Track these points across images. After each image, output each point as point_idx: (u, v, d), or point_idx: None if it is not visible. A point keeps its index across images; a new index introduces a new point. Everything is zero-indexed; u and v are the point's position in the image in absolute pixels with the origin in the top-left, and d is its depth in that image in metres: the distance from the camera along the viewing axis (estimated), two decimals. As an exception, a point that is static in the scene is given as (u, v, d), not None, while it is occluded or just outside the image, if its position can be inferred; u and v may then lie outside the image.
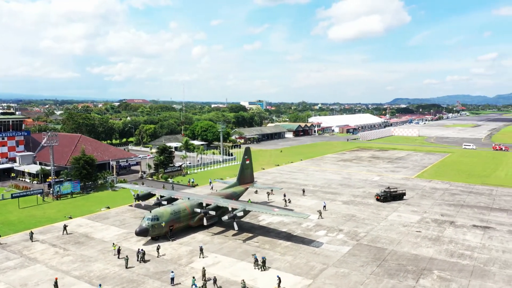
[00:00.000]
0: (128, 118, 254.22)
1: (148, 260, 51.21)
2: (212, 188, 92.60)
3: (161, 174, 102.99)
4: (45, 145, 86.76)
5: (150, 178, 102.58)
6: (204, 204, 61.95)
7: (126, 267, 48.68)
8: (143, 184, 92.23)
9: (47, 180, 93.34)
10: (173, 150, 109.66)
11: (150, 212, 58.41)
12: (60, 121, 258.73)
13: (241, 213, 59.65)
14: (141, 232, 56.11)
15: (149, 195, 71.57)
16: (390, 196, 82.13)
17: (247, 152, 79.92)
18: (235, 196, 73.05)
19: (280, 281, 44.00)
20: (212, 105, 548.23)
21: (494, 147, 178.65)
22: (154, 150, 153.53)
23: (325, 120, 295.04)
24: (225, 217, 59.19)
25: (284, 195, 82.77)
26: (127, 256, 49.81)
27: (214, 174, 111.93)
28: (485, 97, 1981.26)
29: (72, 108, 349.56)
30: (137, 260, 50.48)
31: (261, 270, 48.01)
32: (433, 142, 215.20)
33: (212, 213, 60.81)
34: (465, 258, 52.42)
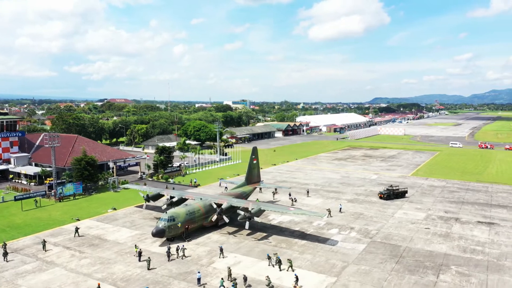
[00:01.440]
0: (115, 118, 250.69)
1: (189, 256, 52.53)
2: (220, 185, 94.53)
3: (161, 175, 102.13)
4: (46, 146, 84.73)
5: (150, 179, 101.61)
6: (219, 204, 61.88)
7: (148, 269, 48.33)
8: (145, 184, 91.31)
9: (46, 182, 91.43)
10: (172, 150, 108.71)
11: (166, 212, 58.04)
12: (44, 121, 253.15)
13: (258, 213, 59.90)
14: (158, 233, 55.72)
15: (159, 196, 71.04)
16: (393, 194, 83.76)
17: (254, 151, 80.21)
18: (245, 196, 73.25)
19: (297, 279, 44.44)
20: (196, 105, 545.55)
21: (480, 145, 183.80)
22: (147, 150, 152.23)
23: (313, 120, 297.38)
24: (241, 217, 59.26)
25: (290, 195, 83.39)
26: (149, 258, 49.45)
27: (213, 174, 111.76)
28: (461, 96, 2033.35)
29: (54, 108, 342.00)
30: (178, 257, 51.66)
31: (283, 270, 48.23)
32: (419, 141, 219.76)
33: (227, 213, 60.86)
34: (478, 254, 54.05)
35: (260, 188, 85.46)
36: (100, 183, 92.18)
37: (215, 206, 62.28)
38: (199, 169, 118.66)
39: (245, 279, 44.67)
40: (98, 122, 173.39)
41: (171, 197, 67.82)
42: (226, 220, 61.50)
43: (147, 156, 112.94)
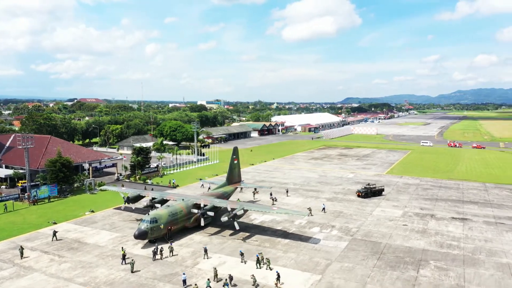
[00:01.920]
0: (87, 118, 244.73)
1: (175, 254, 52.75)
2: (202, 186, 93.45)
3: (138, 176, 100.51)
4: (19, 147, 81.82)
5: (128, 180, 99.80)
6: (202, 205, 61.56)
7: (132, 271, 47.60)
8: (122, 186, 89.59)
9: (19, 184, 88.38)
10: (150, 150, 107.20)
11: (148, 214, 57.30)
12: (12, 122, 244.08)
13: (241, 212, 60.01)
14: (140, 235, 54.94)
15: (139, 197, 69.94)
16: (371, 192, 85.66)
17: (235, 151, 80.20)
18: (226, 196, 73.16)
19: (279, 277, 44.92)
20: (170, 105, 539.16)
21: (449, 144, 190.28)
22: (122, 151, 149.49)
23: (288, 119, 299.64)
24: (225, 217, 59.19)
25: (271, 194, 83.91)
26: (133, 260, 48.73)
27: (191, 174, 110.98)
28: (429, 96, 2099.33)
29: (22, 107, 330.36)
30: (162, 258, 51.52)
31: (266, 269, 48.56)
32: (391, 140, 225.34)
33: (210, 213, 60.69)
34: (454, 248, 56.08)
35: (241, 188, 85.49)
36: (75, 185, 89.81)
37: (197, 207, 61.90)
38: (176, 169, 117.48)
39: (231, 278, 44.73)
40: (71, 122, 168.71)
41: (152, 199, 66.94)
42: (203, 222, 61.12)
43: (124, 157, 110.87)
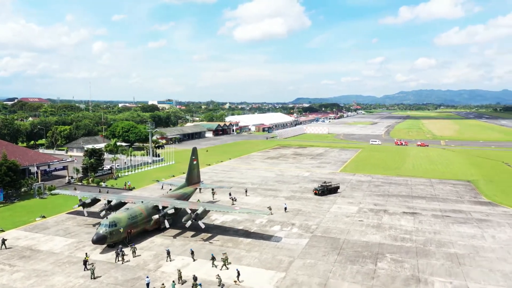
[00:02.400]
0: (31, 118, 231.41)
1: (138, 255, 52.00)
2: (162, 188, 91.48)
3: (91, 178, 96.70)
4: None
5: (80, 183, 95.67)
6: (160, 207, 60.47)
7: (94, 278, 45.90)
8: (75, 189, 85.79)
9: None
10: (103, 152, 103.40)
11: (106, 218, 55.46)
12: None
13: (203, 214, 59.65)
14: (99, 240, 53.07)
15: (95, 201, 67.32)
16: (327, 190, 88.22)
17: (194, 152, 79.58)
18: (186, 197, 72.41)
19: (239, 274, 45.64)
20: (120, 104, 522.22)
21: (396, 142, 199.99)
22: (71, 153, 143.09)
23: (242, 119, 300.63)
24: (186, 219, 58.54)
25: (230, 194, 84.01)
26: (93, 265, 47.01)
27: (147, 176, 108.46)
28: (374, 97, 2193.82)
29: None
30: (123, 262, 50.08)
31: (222, 269, 48.69)
32: (342, 139, 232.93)
33: (171, 215, 59.77)
34: (407, 241, 59.25)
35: (200, 189, 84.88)
36: (23, 189, 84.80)
37: (157, 209, 60.76)
38: (131, 171, 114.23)
39: (195, 279, 44.46)
40: (13, 123, 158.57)
41: (109, 202, 64.76)
42: (165, 225, 60.16)
43: (75, 159, 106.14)
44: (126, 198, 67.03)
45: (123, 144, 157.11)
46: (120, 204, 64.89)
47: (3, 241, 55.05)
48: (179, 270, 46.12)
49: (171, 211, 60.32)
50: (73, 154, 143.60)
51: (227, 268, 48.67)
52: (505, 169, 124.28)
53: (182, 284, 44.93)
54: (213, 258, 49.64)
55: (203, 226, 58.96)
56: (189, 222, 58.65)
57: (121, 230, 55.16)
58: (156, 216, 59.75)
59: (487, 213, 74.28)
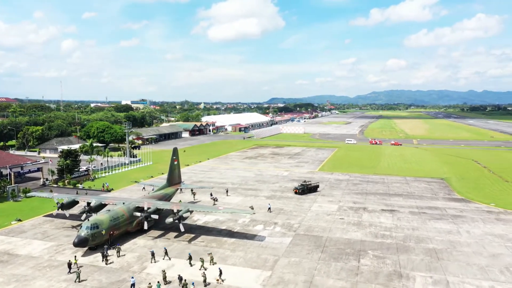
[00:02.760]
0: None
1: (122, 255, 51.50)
2: (144, 189, 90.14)
3: (67, 180, 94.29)
4: None
5: (56, 185, 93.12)
6: (145, 208, 59.75)
7: (79, 281, 44.96)
8: (51, 191, 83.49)
9: None
10: (79, 153, 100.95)
11: (88, 220, 54.38)
12: None
13: (187, 214, 59.35)
14: (80, 243, 52.00)
15: (74, 203, 65.69)
16: (307, 188, 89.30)
17: (175, 152, 78.98)
18: (167, 198, 71.80)
19: (221, 273, 46.00)
20: (92, 104, 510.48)
21: (370, 141, 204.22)
22: (44, 154, 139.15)
23: (218, 119, 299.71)
24: (170, 219, 58.12)
25: (211, 194, 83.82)
26: (79, 268, 46.07)
27: (125, 177, 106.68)
28: (347, 97, 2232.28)
29: None
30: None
31: (200, 269, 48.52)
32: (318, 138, 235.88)
33: (154, 216, 59.18)
34: (387, 238, 60.78)
35: (181, 189, 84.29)
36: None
37: (139, 210, 60.00)
38: (108, 172, 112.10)
39: (180, 279, 44.37)
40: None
41: (88, 204, 63.31)
42: (146, 226, 59.47)
43: (50, 160, 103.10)
44: (106, 199, 65.81)
45: (99, 145, 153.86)
46: (101, 206, 63.68)
47: (-22, 246, 53.13)
48: (164, 271, 45.82)
49: (154, 212, 59.69)
50: (46, 155, 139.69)
51: (205, 269, 48.15)
52: (475, 167, 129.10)
53: (166, 284, 44.69)
54: (190, 258, 49.85)
55: (182, 229, 58.55)
56: (172, 223, 58.23)
57: (103, 232, 54.19)
58: (139, 217, 58.98)
59: (461, 209, 77.08)
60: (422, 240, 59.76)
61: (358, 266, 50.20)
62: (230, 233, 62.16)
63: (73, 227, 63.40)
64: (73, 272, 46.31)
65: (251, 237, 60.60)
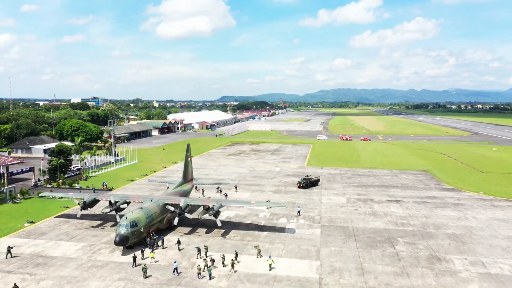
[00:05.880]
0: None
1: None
2: (168, 188, 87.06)
3: (61, 180, 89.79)
4: None
5: (50, 185, 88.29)
6: (181, 205, 58.88)
7: (145, 277, 44.42)
8: (51, 191, 79.42)
9: None
10: (72, 152, 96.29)
11: (126, 218, 52.85)
12: None
13: (221, 209, 59.34)
14: (122, 241, 50.59)
15: (95, 201, 63.29)
16: (310, 183, 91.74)
17: (188, 149, 78.22)
18: (186, 194, 71.13)
19: (237, 255, 49.44)
20: (40, 103, 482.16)
21: (341, 137, 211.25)
22: (15, 154, 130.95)
23: (186, 117, 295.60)
24: (205, 215, 57.82)
25: (220, 191, 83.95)
26: (145, 265, 45.64)
27: (116, 175, 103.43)
28: (297, 95, 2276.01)
29: None
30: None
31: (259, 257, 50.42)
32: (287, 135, 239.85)
33: (188, 215, 58.67)
34: (407, 226, 64.39)
35: (196, 186, 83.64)
36: (-11, 194, 76.44)
37: (175, 206, 59.27)
38: (96, 171, 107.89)
39: (212, 261, 46.87)
40: None
41: (115, 202, 61.07)
42: (175, 223, 58.77)
43: (42, 159, 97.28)
44: (130, 197, 63.95)
45: (70, 144, 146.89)
46: (125, 204, 61.89)
47: (9, 249, 50.01)
48: (223, 255, 48.15)
49: (186, 207, 59.11)
50: (17, 155, 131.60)
51: (261, 257, 50.00)
52: (447, 160, 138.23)
53: (224, 266, 46.29)
54: (199, 251, 50.77)
55: (220, 224, 58.48)
56: (207, 217, 57.96)
57: (142, 229, 53.08)
58: (171, 213, 58.20)
59: (458, 198, 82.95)
60: (439, 227, 63.90)
61: (397, 252, 53.03)
62: (258, 227, 62.85)
63: (92, 227, 61.29)
64: (138, 265, 45.79)
65: (281, 229, 61.73)
